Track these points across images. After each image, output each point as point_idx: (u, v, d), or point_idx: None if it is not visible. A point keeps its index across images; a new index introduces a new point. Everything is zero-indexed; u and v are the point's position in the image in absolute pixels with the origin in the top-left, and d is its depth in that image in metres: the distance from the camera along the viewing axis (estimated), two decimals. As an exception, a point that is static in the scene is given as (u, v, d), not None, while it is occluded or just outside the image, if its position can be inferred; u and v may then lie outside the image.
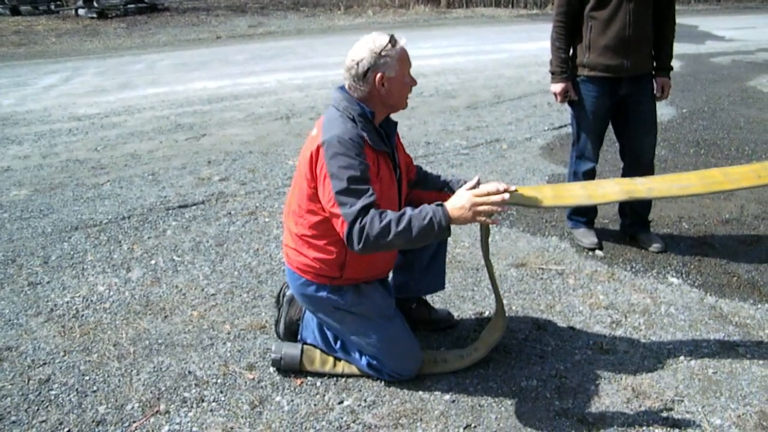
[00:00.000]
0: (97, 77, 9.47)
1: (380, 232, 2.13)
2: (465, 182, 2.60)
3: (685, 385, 2.53)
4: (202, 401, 2.48)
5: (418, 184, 2.77)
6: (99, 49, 12.50)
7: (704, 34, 13.43)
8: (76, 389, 2.55)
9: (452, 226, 2.21)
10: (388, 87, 2.33)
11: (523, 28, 14.74)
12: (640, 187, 2.67)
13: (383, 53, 2.28)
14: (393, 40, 2.31)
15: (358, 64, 2.29)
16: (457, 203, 2.18)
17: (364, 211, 2.17)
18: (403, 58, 2.34)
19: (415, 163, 2.81)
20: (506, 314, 2.76)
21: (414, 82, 2.43)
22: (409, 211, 2.18)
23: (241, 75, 9.34)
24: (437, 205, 2.20)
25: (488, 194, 2.17)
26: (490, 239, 2.65)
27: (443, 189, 2.72)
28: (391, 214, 2.16)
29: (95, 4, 16.75)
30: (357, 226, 2.16)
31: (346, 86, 2.38)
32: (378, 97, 2.35)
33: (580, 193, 2.76)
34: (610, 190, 2.70)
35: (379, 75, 2.29)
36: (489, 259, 2.60)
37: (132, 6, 17.21)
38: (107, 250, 3.79)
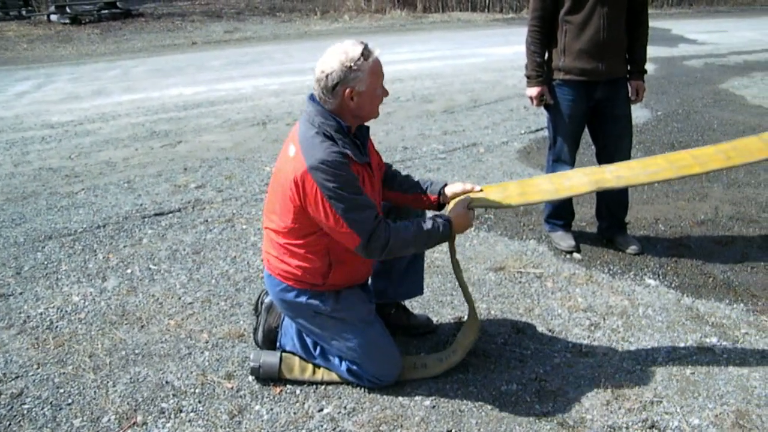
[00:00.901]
0: (70, 84, 9.36)
1: (398, 240, 2.33)
2: (439, 185, 2.68)
3: (663, 386, 2.55)
4: (180, 412, 2.45)
5: (386, 182, 2.73)
6: (72, 56, 12.36)
7: (677, 38, 13.62)
8: (51, 402, 2.50)
9: None
10: (358, 101, 2.28)
11: (498, 32, 14.84)
12: (608, 175, 2.68)
13: (354, 67, 2.22)
14: (366, 53, 2.24)
15: (327, 76, 2.23)
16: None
17: (376, 221, 2.29)
18: (376, 71, 2.28)
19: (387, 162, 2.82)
20: (479, 317, 2.76)
21: (386, 93, 2.40)
22: (418, 220, 2.43)
23: (217, 81, 9.29)
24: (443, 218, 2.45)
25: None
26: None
27: (419, 192, 2.72)
28: (403, 224, 2.38)
29: (68, 10, 16.57)
30: (375, 237, 2.28)
31: (316, 96, 2.33)
32: (348, 110, 2.31)
33: (547, 188, 2.79)
34: (577, 181, 2.72)
35: (348, 90, 2.25)
36: (456, 260, 2.62)
37: (106, 11, 17.03)
38: (82, 260, 3.74)
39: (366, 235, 2.26)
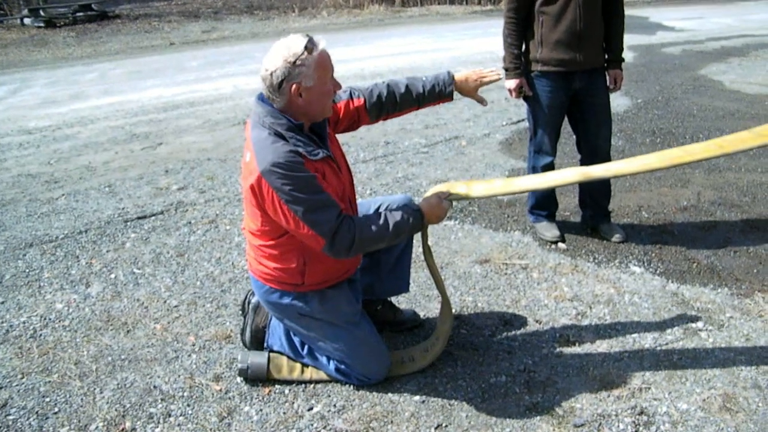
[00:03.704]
0: (47, 88, 9.24)
1: (365, 237, 2.26)
2: (448, 85, 2.62)
3: (651, 373, 2.58)
4: (169, 416, 2.44)
5: (380, 109, 2.63)
6: (48, 60, 12.20)
7: (655, 25, 13.68)
8: (36, 412, 2.48)
9: None
10: (306, 97, 2.20)
11: (477, 25, 14.84)
12: (596, 168, 2.68)
13: (298, 62, 2.13)
14: (309, 47, 2.14)
15: (272, 74, 2.15)
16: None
17: (338, 220, 2.22)
18: (322, 65, 2.19)
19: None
20: (452, 307, 2.77)
21: (338, 86, 2.32)
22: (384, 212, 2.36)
23: (196, 81, 9.21)
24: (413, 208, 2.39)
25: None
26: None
27: (431, 102, 2.67)
28: (369, 217, 2.32)
29: (42, 13, 16.32)
30: (340, 237, 2.22)
31: (265, 95, 2.26)
32: (297, 107, 2.22)
33: (533, 179, 2.80)
34: (564, 173, 2.72)
35: (294, 86, 2.16)
36: (428, 246, 2.61)
37: (81, 14, 16.79)
38: (64, 266, 3.70)
39: (329, 236, 2.20)
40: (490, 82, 2.68)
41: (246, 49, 12.12)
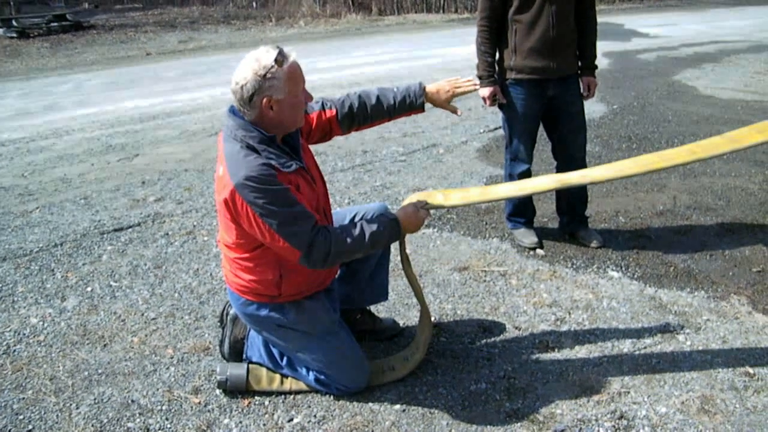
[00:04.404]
0: (20, 100, 9.13)
1: (341, 248, 2.26)
2: (419, 97, 2.61)
3: (630, 377, 2.59)
4: (148, 430, 2.41)
5: (352, 120, 2.61)
6: (21, 70, 12.07)
7: (630, 32, 13.87)
8: (10, 431, 2.43)
9: None
10: (277, 109, 2.18)
11: (454, 33, 14.94)
12: (572, 175, 2.70)
13: (268, 75, 2.11)
14: (280, 59, 2.12)
15: (242, 88, 2.13)
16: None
17: (314, 232, 2.21)
18: (293, 77, 2.17)
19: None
20: (431, 317, 2.75)
21: (309, 98, 2.30)
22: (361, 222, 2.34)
23: (173, 92, 9.16)
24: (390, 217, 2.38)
25: None
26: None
27: (403, 113, 2.65)
28: (345, 228, 2.31)
29: (14, 24, 16.14)
30: (315, 248, 2.21)
31: (237, 108, 2.24)
32: (269, 120, 2.20)
33: (509, 188, 2.82)
34: (540, 180, 2.74)
35: (265, 99, 2.14)
36: (406, 255, 2.61)
37: (55, 24, 16.62)
38: (39, 280, 3.65)
39: (304, 248, 2.19)
40: (464, 93, 2.68)
41: (223, 59, 12.08)
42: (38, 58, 13.54)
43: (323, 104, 2.59)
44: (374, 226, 2.31)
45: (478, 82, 2.72)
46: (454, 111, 2.72)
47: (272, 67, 2.11)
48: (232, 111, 2.26)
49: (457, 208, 4.18)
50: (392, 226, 2.36)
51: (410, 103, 2.62)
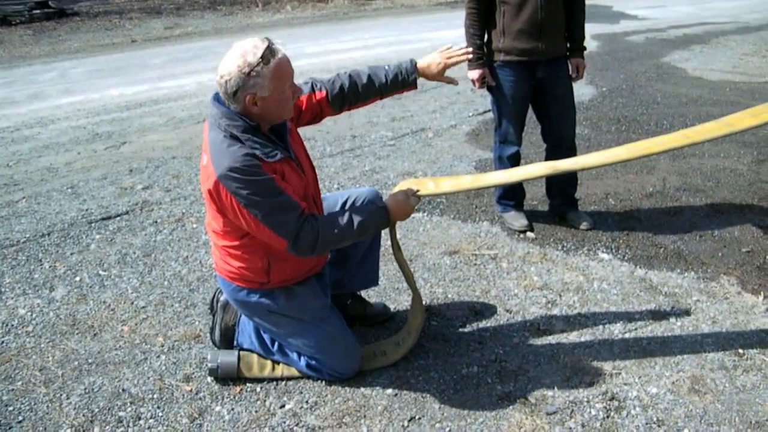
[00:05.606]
0: (4, 88, 9.01)
1: (328, 236, 2.23)
2: (412, 73, 2.58)
3: (621, 358, 2.60)
4: (139, 419, 2.40)
5: (343, 99, 2.57)
6: (4, 59, 11.90)
7: (618, 14, 13.83)
8: None
9: None
10: (262, 105, 2.14)
11: (442, 17, 14.84)
12: (564, 161, 2.70)
13: (253, 74, 2.06)
14: (266, 56, 2.06)
15: (226, 82, 2.09)
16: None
17: (300, 220, 2.19)
18: (280, 75, 2.11)
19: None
20: (423, 300, 2.76)
21: (298, 92, 2.27)
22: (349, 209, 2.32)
23: (159, 79, 9.06)
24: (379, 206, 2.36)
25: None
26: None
27: (396, 90, 2.61)
28: (333, 216, 2.28)
29: (-4, 12, 15.92)
30: (302, 237, 2.19)
31: (222, 98, 2.20)
32: (254, 114, 2.17)
33: (500, 175, 2.81)
34: (532, 167, 2.74)
35: (249, 96, 2.10)
36: (396, 241, 2.60)
37: (38, 11, 16.38)
38: (27, 271, 3.61)
39: (291, 237, 2.17)
40: (456, 63, 2.63)
41: (209, 45, 11.96)
42: (21, 46, 13.36)
43: (313, 86, 2.55)
44: (363, 215, 2.29)
45: (470, 49, 2.69)
46: (450, 81, 2.68)
47: (257, 65, 2.06)
48: (217, 99, 2.22)
49: (448, 195, 4.17)
50: (381, 215, 2.35)
51: (402, 81, 2.59)
